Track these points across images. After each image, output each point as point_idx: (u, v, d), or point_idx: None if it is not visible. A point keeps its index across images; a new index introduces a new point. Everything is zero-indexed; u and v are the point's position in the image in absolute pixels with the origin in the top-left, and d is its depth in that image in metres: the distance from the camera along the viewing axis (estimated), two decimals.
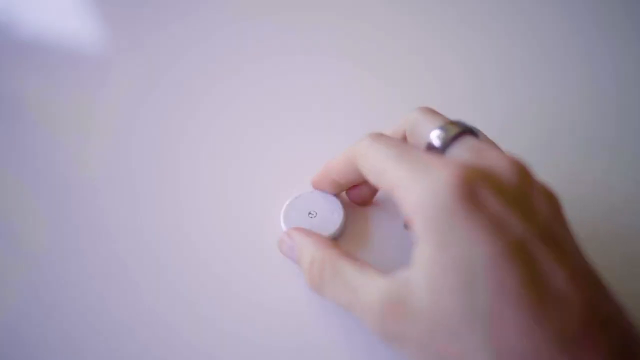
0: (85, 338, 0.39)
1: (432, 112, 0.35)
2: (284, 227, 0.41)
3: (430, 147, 0.33)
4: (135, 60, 0.59)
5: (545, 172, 0.34)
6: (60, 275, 0.42)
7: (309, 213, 0.41)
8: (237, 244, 0.43)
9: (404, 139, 0.36)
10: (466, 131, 0.32)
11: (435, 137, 0.33)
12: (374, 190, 0.42)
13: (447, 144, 0.32)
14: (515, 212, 0.27)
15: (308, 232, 0.38)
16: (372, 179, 0.33)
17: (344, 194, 0.43)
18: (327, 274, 0.34)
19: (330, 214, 0.41)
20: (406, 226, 0.40)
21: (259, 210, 0.44)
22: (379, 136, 0.33)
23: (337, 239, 0.41)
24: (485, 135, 0.35)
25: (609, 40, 0.59)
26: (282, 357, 0.37)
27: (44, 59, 0.60)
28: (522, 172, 0.29)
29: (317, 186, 0.42)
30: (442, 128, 0.33)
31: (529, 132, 0.51)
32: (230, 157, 0.49)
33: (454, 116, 0.35)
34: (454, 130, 0.32)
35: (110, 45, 0.63)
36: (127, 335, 0.39)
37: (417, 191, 0.28)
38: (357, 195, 0.42)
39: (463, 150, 0.31)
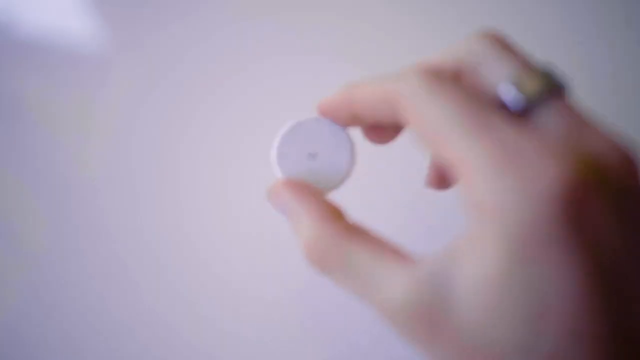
0: (85, 338, 0.39)
1: (504, 44, 0.26)
2: (278, 170, 0.32)
3: (501, 106, 0.24)
4: (136, 60, 0.59)
5: None
6: (60, 275, 0.42)
7: (309, 153, 0.32)
8: (237, 242, 0.43)
9: (456, 77, 0.26)
10: (555, 87, 0.24)
11: (510, 93, 0.24)
12: (400, 129, 0.32)
13: (529, 107, 0.23)
14: (620, 235, 0.21)
15: (305, 192, 0.29)
16: (423, 141, 0.24)
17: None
18: (332, 258, 0.26)
19: (336, 157, 0.32)
20: (432, 182, 0.33)
21: (259, 209, 0.44)
22: (437, 77, 0.24)
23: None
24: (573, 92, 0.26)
25: (609, 40, 0.59)
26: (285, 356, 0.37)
27: (44, 59, 0.60)
28: (634, 171, 0.23)
29: (327, 113, 0.31)
30: (519, 80, 0.24)
31: None
32: (230, 157, 0.49)
33: None
34: (539, 87, 0.23)
35: (110, 45, 0.63)
36: (127, 335, 0.39)
37: (499, 191, 0.21)
38: (379, 136, 0.32)
39: (557, 121, 0.23)
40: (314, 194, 0.29)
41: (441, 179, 0.33)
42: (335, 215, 0.27)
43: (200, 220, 0.45)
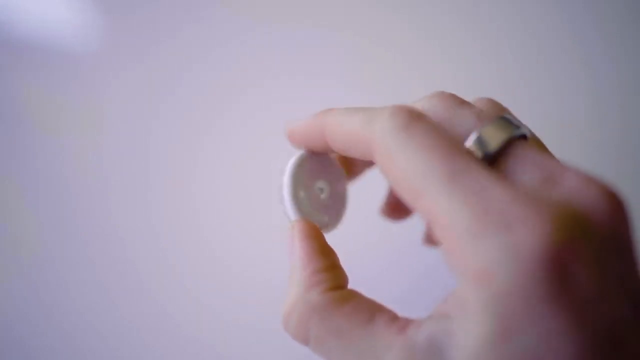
0: (86, 338, 0.39)
1: (457, 100, 0.25)
2: (291, 213, 0.29)
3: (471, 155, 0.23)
4: (136, 60, 0.59)
5: None
6: (60, 276, 0.42)
7: (319, 188, 0.29)
8: (239, 240, 0.43)
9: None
10: (517, 134, 0.23)
11: (475, 144, 0.23)
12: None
13: (493, 155, 0.22)
14: (611, 288, 0.20)
15: (308, 245, 0.27)
16: (401, 193, 0.22)
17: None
18: (315, 328, 0.24)
19: (338, 188, 0.30)
20: (429, 241, 0.32)
21: (271, 215, 0.44)
22: (412, 117, 0.22)
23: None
24: (531, 132, 0.25)
25: (609, 40, 0.59)
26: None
27: (43, 59, 0.60)
28: (621, 213, 0.21)
29: (298, 142, 0.30)
30: (481, 133, 0.23)
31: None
32: (234, 155, 0.50)
33: None
34: (502, 136, 0.22)
35: (110, 45, 0.63)
36: (127, 334, 0.39)
37: (482, 253, 0.19)
38: (396, 212, 0.31)
39: (525, 169, 0.22)
40: (312, 249, 0.27)
41: (398, 210, 0.32)
42: (320, 277, 0.25)
43: (197, 219, 0.45)
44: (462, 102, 0.25)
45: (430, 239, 0.32)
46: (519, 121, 0.24)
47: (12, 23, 0.65)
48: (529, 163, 0.22)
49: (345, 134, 0.26)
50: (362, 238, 0.42)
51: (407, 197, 0.22)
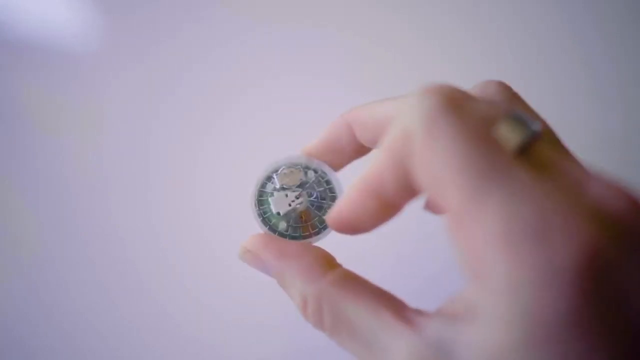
0: (86, 338, 0.39)
1: (512, 93, 0.24)
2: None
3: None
4: (137, 60, 0.59)
5: None
6: (60, 275, 0.42)
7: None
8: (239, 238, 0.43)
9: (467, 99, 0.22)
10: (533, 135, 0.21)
11: (515, 133, 0.20)
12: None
13: (525, 149, 0.20)
14: None
15: (285, 250, 0.26)
16: (424, 184, 0.20)
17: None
18: (327, 318, 0.24)
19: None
20: (430, 208, 0.30)
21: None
22: (443, 106, 0.20)
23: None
24: (546, 125, 0.24)
25: (609, 40, 0.59)
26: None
27: (44, 59, 0.60)
28: None
29: (324, 144, 0.28)
30: (522, 119, 0.21)
31: None
32: (232, 157, 0.50)
33: None
34: (517, 137, 0.20)
35: (110, 45, 0.63)
36: (127, 334, 0.39)
37: (516, 261, 0.18)
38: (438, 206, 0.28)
39: (547, 174, 0.20)
40: (296, 249, 0.26)
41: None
42: (324, 267, 0.25)
43: (197, 219, 0.45)
44: (472, 96, 0.22)
45: (431, 206, 0.28)
46: (532, 114, 0.22)
47: (12, 23, 0.65)
48: (550, 167, 0.20)
49: (377, 122, 0.24)
50: (364, 238, 0.42)
51: (429, 189, 0.20)
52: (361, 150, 0.27)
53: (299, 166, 0.28)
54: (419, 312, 0.22)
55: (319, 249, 0.26)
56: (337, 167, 0.29)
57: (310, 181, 0.28)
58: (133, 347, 0.41)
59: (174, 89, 0.56)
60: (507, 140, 0.20)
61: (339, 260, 0.26)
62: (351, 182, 0.25)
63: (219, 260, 0.43)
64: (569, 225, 0.18)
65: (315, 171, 0.28)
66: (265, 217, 0.28)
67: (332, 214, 0.24)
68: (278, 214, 0.28)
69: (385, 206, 0.23)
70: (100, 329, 0.40)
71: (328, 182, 0.29)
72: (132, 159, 0.50)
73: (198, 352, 0.42)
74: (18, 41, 0.63)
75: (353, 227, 0.24)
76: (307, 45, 0.60)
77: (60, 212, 0.47)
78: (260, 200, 0.29)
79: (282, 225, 0.28)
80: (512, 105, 0.23)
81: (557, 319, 0.17)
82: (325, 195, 0.28)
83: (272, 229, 0.28)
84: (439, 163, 0.19)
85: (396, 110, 0.23)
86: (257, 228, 0.28)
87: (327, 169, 0.28)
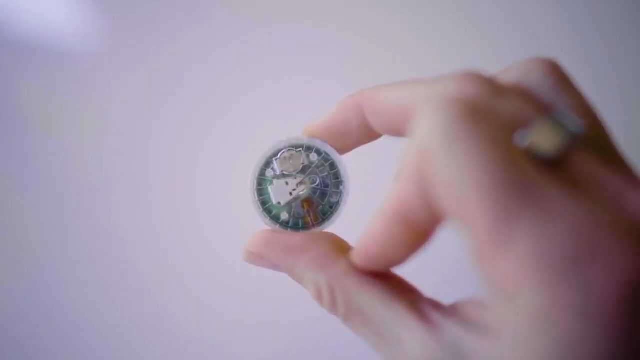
0: (86, 338, 0.39)
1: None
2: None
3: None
4: (137, 60, 0.59)
5: None
6: (60, 275, 0.42)
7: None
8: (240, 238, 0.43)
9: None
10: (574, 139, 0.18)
11: (530, 146, 0.18)
12: None
13: (551, 163, 0.18)
14: None
15: (289, 243, 0.24)
16: (441, 197, 0.18)
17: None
18: (342, 306, 0.22)
19: (328, 182, 0.27)
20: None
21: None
22: (475, 114, 0.18)
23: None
24: (595, 120, 0.21)
25: (609, 40, 0.59)
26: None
27: (44, 59, 0.60)
28: None
29: (332, 123, 0.26)
30: (533, 134, 0.18)
31: None
32: (232, 157, 0.50)
33: None
34: (556, 141, 0.18)
35: (110, 45, 0.63)
36: (127, 334, 0.39)
37: (550, 289, 0.16)
38: None
39: (588, 184, 0.18)
40: (301, 241, 0.24)
41: None
42: (333, 254, 0.23)
43: (197, 219, 0.45)
44: (501, 90, 0.20)
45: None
46: (580, 107, 0.20)
47: (12, 23, 0.65)
48: (587, 179, 0.18)
49: (391, 108, 0.22)
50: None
51: (453, 213, 0.18)
52: (371, 135, 0.25)
53: (301, 148, 0.26)
54: (434, 305, 0.21)
55: (327, 234, 0.25)
56: (341, 151, 0.26)
57: (313, 165, 0.26)
58: (133, 347, 0.41)
59: (174, 89, 0.56)
60: (540, 148, 0.18)
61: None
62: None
63: (219, 260, 0.43)
64: (607, 250, 0.16)
65: (319, 153, 0.26)
66: (265, 207, 0.26)
67: (358, 250, 0.22)
68: (279, 203, 0.26)
69: (415, 234, 0.20)
70: (100, 329, 0.40)
71: (332, 166, 0.26)
72: (132, 159, 0.50)
73: (198, 352, 0.42)
74: (18, 41, 0.63)
75: (383, 263, 0.22)
76: (307, 45, 0.60)
77: (60, 212, 0.47)
78: (260, 189, 0.27)
79: (284, 216, 0.26)
80: (556, 96, 0.21)
81: (592, 356, 0.16)
82: (330, 181, 0.26)
83: (274, 220, 0.26)
84: (462, 184, 0.17)
85: (413, 99, 0.21)
86: (257, 219, 0.26)
87: (330, 150, 0.26)
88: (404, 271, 0.23)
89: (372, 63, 0.58)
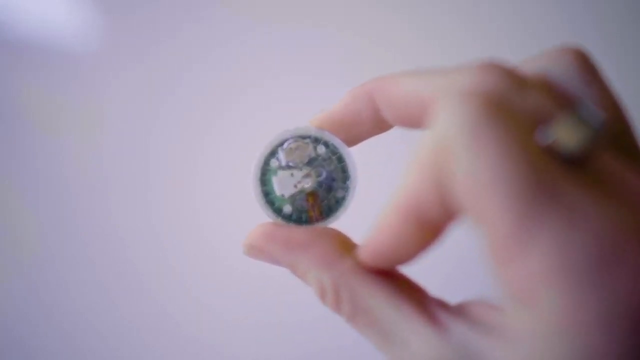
0: (86, 338, 0.39)
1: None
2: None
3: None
4: (137, 60, 0.59)
5: None
6: (60, 275, 0.42)
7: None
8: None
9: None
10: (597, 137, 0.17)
11: (553, 144, 0.18)
12: None
13: (573, 162, 0.18)
14: None
15: (291, 238, 0.24)
16: (468, 210, 0.18)
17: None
18: (346, 306, 0.22)
19: (334, 174, 0.26)
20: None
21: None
22: (498, 110, 0.17)
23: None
24: (626, 126, 0.21)
25: (609, 40, 0.59)
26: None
27: (44, 59, 0.60)
28: None
29: (341, 112, 0.25)
30: (556, 130, 0.17)
31: None
32: (232, 157, 0.50)
33: None
34: (579, 138, 0.17)
35: (110, 45, 0.63)
36: (127, 334, 0.39)
37: (574, 298, 0.16)
38: None
39: (610, 185, 0.17)
40: (305, 237, 0.23)
41: None
42: (338, 251, 0.22)
43: (197, 219, 0.45)
44: (524, 82, 0.19)
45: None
46: (607, 103, 0.19)
47: (12, 23, 0.65)
48: (613, 178, 0.18)
49: (406, 99, 0.22)
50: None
51: (471, 212, 0.17)
52: (382, 126, 0.24)
53: (308, 139, 0.25)
54: (441, 305, 0.20)
55: (331, 230, 0.24)
56: (350, 142, 0.25)
57: (320, 158, 0.25)
58: (133, 347, 0.41)
59: (174, 89, 0.56)
60: (564, 145, 0.17)
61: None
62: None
63: (219, 260, 0.43)
64: (633, 255, 0.16)
65: (326, 145, 0.25)
66: (268, 198, 0.25)
67: (366, 246, 0.21)
68: (282, 195, 0.25)
69: (425, 231, 0.20)
70: (100, 329, 0.40)
71: (340, 159, 0.26)
72: (132, 159, 0.50)
73: (198, 352, 0.42)
74: (18, 41, 0.63)
75: (391, 260, 0.21)
76: (307, 45, 0.60)
77: (60, 212, 0.47)
78: (263, 179, 0.25)
79: (287, 209, 0.25)
80: (582, 89, 0.20)
81: None
82: (336, 175, 0.25)
83: (277, 212, 0.25)
84: (483, 182, 0.16)
85: (432, 90, 0.21)
86: (259, 210, 0.25)
87: (339, 142, 0.25)
88: (407, 270, 0.22)
89: (372, 63, 0.58)
